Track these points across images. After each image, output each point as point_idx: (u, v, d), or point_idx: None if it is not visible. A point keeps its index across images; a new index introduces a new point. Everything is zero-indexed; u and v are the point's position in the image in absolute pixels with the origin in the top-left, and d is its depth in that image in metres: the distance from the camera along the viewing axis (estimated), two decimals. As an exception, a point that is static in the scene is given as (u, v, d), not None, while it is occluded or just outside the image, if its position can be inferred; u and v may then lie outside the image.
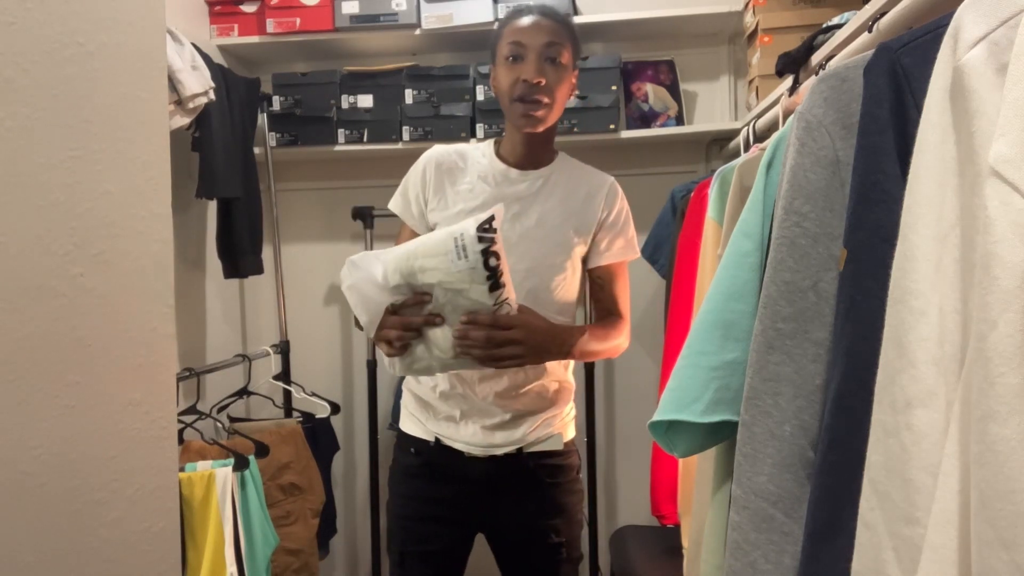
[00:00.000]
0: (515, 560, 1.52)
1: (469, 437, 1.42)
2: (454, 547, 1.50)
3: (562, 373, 1.49)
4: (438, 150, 1.49)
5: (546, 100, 1.36)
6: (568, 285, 1.46)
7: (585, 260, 1.50)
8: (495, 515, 1.48)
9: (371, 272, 1.24)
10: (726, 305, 0.99)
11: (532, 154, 1.46)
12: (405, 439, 1.52)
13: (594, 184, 1.50)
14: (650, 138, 2.30)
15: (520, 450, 1.44)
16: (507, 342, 1.23)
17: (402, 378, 2.41)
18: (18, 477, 0.72)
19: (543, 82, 1.35)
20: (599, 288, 1.53)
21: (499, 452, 1.43)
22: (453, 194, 1.44)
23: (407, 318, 1.24)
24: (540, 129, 1.40)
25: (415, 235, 1.42)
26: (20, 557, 0.72)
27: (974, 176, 0.56)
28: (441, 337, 1.24)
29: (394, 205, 1.52)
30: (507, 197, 1.42)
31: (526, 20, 1.38)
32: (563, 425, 1.50)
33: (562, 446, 1.49)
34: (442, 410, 1.44)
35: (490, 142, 1.51)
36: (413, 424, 1.51)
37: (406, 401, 1.54)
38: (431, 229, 1.43)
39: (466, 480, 1.45)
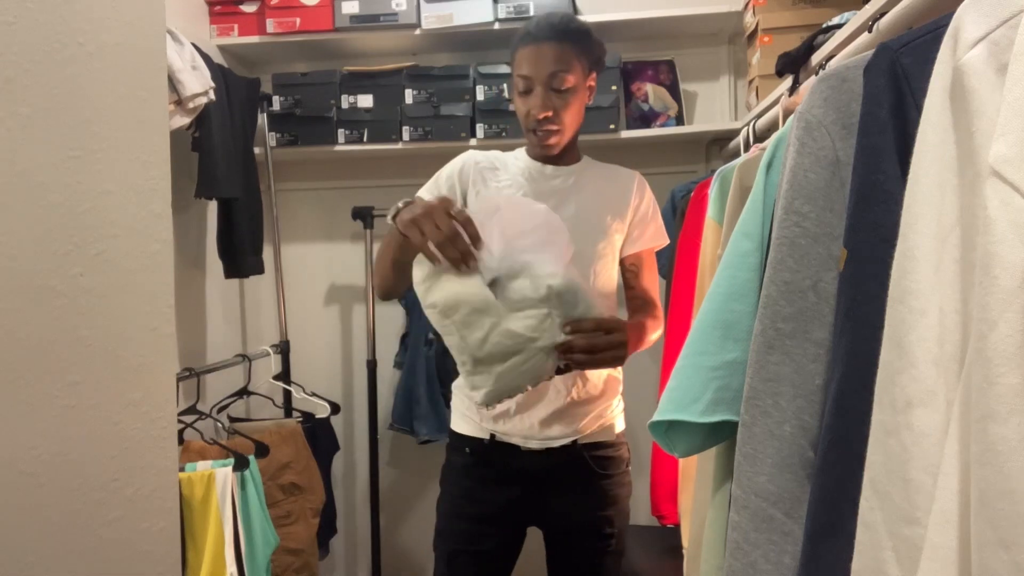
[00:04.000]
0: (565, 553, 1.54)
1: (526, 430, 1.45)
2: (506, 545, 1.52)
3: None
4: (474, 152, 1.56)
5: (556, 128, 1.43)
6: (609, 273, 1.53)
7: (620, 250, 1.56)
8: (549, 508, 1.50)
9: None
10: (726, 305, 0.99)
11: (560, 156, 1.53)
12: (458, 439, 1.54)
13: (623, 177, 1.58)
14: (650, 138, 2.30)
15: (575, 442, 1.47)
16: (610, 346, 1.22)
17: (401, 378, 2.42)
18: (18, 477, 0.72)
19: (550, 115, 1.41)
20: (633, 276, 1.59)
21: (556, 444, 1.46)
22: (493, 191, 1.50)
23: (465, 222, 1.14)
24: (556, 149, 1.48)
25: None
26: (20, 557, 0.72)
27: (974, 176, 0.56)
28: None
29: (426, 192, 1.52)
30: (545, 191, 1.49)
31: (530, 49, 1.40)
32: (613, 416, 1.54)
33: (614, 437, 1.53)
34: (497, 406, 1.43)
35: (520, 148, 1.59)
36: (466, 424, 1.53)
37: (457, 403, 1.57)
38: None
39: (522, 474, 1.47)
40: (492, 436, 1.48)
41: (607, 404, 1.52)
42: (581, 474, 1.48)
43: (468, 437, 1.52)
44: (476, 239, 1.15)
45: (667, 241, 1.61)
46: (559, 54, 1.40)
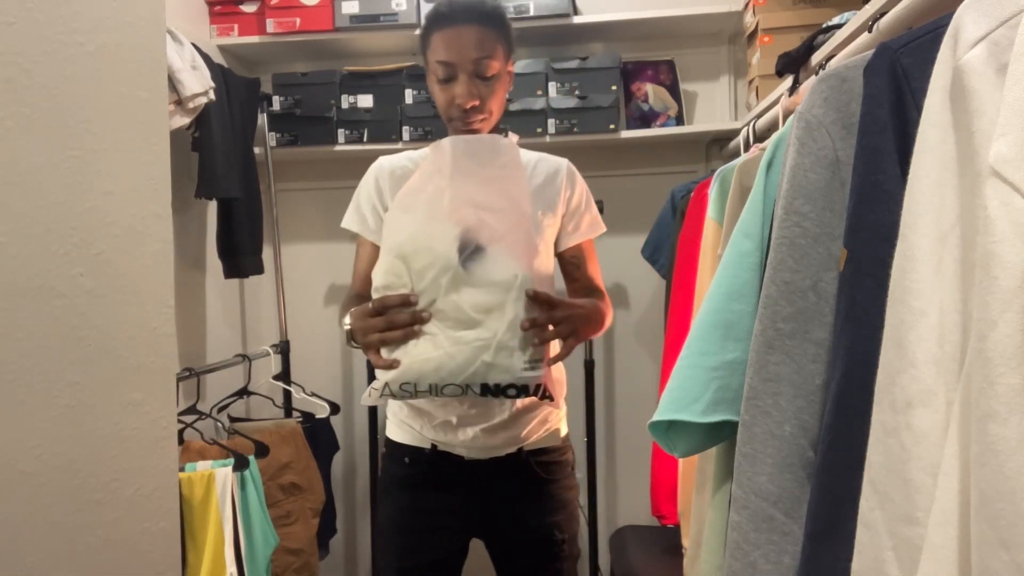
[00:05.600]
0: (516, 562, 1.49)
1: (470, 441, 1.39)
2: (452, 556, 1.47)
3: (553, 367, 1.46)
4: (385, 159, 1.48)
5: (482, 116, 1.35)
6: (544, 268, 1.43)
7: (555, 244, 1.49)
8: (496, 517, 1.44)
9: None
10: (726, 305, 0.99)
11: None
12: (396, 448, 1.47)
13: (551, 167, 1.48)
14: (650, 138, 2.30)
15: (520, 449, 1.43)
16: (566, 319, 1.18)
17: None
18: (18, 477, 0.72)
19: (478, 103, 1.33)
20: (575, 268, 1.51)
21: (501, 454, 1.41)
22: None
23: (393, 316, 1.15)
24: (483, 132, 1.39)
25: (376, 248, 1.38)
26: (20, 557, 0.72)
27: (974, 176, 0.56)
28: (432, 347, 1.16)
29: (349, 223, 1.49)
30: None
31: (450, 32, 1.31)
32: (558, 420, 1.49)
33: (559, 442, 1.49)
34: (438, 415, 1.39)
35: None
36: (405, 432, 1.46)
37: (395, 409, 1.49)
38: None
39: (466, 485, 1.41)
40: (434, 446, 1.41)
41: (552, 409, 1.45)
42: (526, 481, 1.42)
43: (407, 446, 1.44)
44: (406, 303, 1.15)
45: (604, 230, 1.54)
46: (482, 38, 1.31)
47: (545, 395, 1.19)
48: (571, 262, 1.51)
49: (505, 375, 1.14)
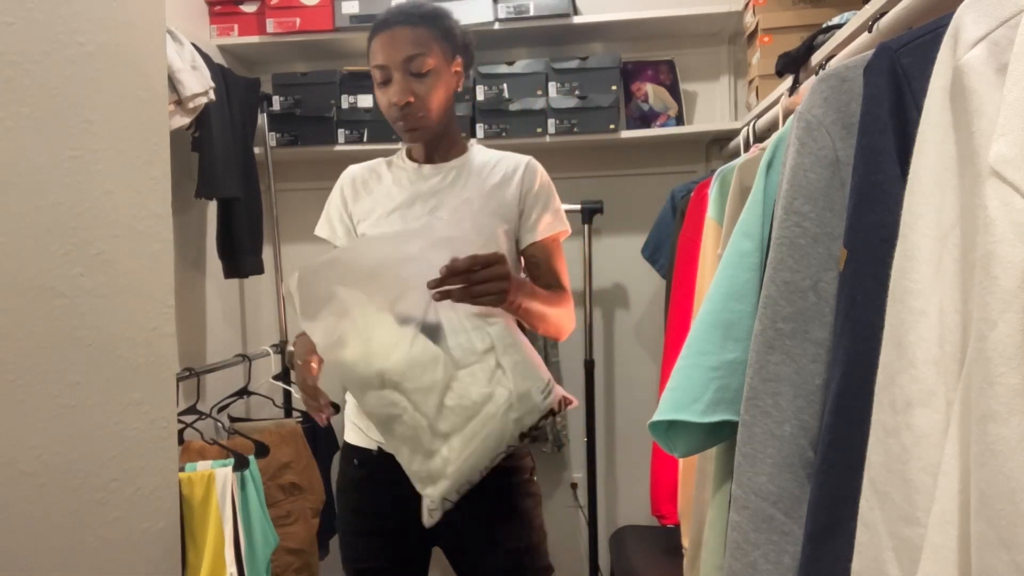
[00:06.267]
0: (474, 573, 1.42)
1: None
2: (407, 561, 1.43)
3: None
4: (351, 169, 1.51)
5: (420, 114, 1.35)
6: None
7: (517, 243, 1.46)
8: (446, 524, 1.28)
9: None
10: (726, 305, 0.99)
11: (437, 150, 1.45)
12: (348, 450, 1.45)
13: (510, 165, 1.45)
14: (650, 138, 2.30)
15: None
16: (488, 278, 1.14)
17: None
18: (18, 477, 0.72)
19: (412, 100, 1.33)
20: (535, 267, 1.46)
21: None
22: (372, 201, 1.45)
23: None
24: (425, 137, 1.40)
25: None
26: (20, 557, 0.72)
27: (974, 176, 0.56)
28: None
29: (320, 231, 1.52)
30: (422, 193, 1.41)
31: (383, 36, 1.33)
32: None
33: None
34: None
35: (401, 149, 1.51)
36: (355, 434, 1.43)
37: (348, 411, 1.46)
38: (356, 231, 1.46)
39: (411, 488, 1.24)
40: (379, 448, 1.36)
41: None
42: (476, 486, 1.25)
43: (357, 448, 1.42)
44: (316, 393, 1.22)
45: (568, 229, 1.48)
46: (414, 37, 1.32)
47: (565, 405, 1.22)
48: (531, 261, 1.46)
49: (534, 415, 1.18)
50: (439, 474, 1.16)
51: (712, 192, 1.42)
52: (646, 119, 2.34)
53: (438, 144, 1.44)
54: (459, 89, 1.43)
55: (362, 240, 1.37)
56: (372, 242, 1.29)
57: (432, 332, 1.17)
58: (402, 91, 1.32)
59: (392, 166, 1.49)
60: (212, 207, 2.24)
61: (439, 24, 1.36)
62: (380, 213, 1.42)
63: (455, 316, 1.18)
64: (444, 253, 1.13)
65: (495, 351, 1.18)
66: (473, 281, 1.14)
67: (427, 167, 1.44)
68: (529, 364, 1.20)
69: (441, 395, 1.15)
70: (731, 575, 0.86)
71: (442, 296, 1.13)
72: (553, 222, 1.45)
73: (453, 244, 1.15)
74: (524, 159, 1.46)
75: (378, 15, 1.37)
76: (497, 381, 1.16)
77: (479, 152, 1.48)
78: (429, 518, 1.19)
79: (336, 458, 2.39)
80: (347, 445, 1.46)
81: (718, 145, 2.40)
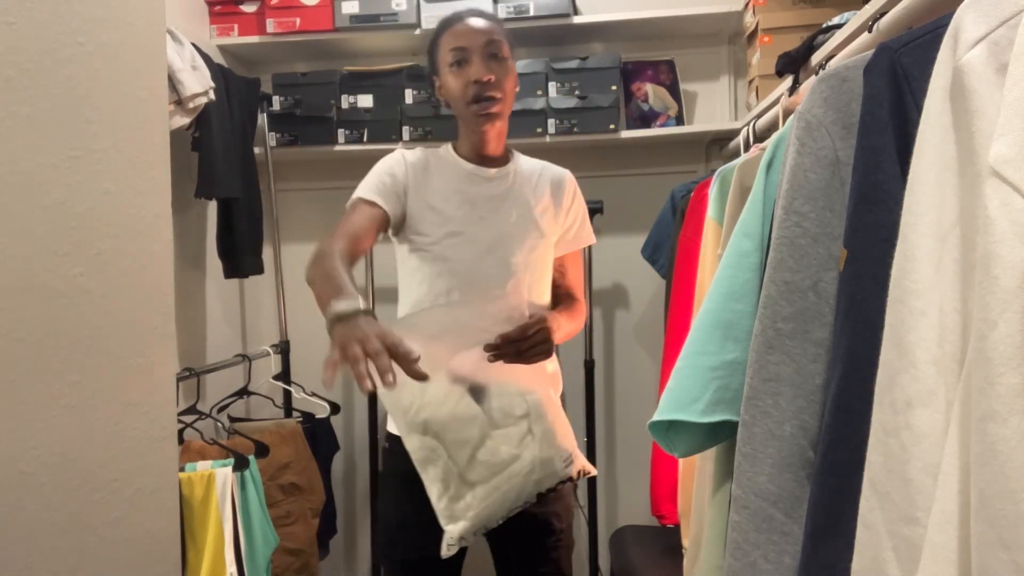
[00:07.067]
0: (514, 553, 1.51)
1: None
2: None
3: (550, 361, 1.48)
4: (405, 151, 1.52)
5: (499, 95, 1.41)
6: (547, 275, 1.53)
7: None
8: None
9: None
10: (726, 305, 0.99)
11: (494, 152, 1.50)
12: (397, 442, 1.43)
13: (555, 176, 1.55)
14: (650, 138, 2.30)
15: None
16: (536, 343, 1.28)
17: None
18: (18, 477, 0.72)
19: (493, 78, 1.39)
20: (561, 276, 1.58)
21: None
22: (431, 190, 1.46)
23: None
24: (499, 125, 1.46)
25: (377, 214, 1.41)
26: (21, 557, 0.72)
27: (974, 176, 0.56)
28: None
29: (368, 190, 1.44)
30: (482, 196, 1.46)
31: (462, 25, 1.42)
32: None
33: None
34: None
35: (447, 145, 1.54)
36: None
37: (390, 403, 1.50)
38: (402, 219, 1.46)
39: None
40: None
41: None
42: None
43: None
44: (407, 359, 0.99)
45: (594, 240, 1.63)
46: (492, 28, 1.42)
47: (584, 475, 1.38)
48: (558, 270, 1.57)
49: (552, 480, 1.34)
50: (461, 516, 1.30)
51: (712, 192, 1.42)
52: (646, 119, 2.34)
53: (497, 145, 1.50)
54: (517, 90, 1.51)
55: (430, 309, 1.45)
56: (436, 312, 1.42)
57: (478, 393, 1.32)
58: (484, 68, 1.38)
59: (442, 161, 1.51)
60: (212, 207, 2.24)
61: (507, 31, 1.47)
62: (447, 205, 1.45)
63: (501, 382, 1.33)
64: (499, 323, 1.29)
65: (529, 418, 1.32)
66: (525, 347, 1.28)
67: (484, 171, 1.50)
68: (556, 436, 1.34)
69: (474, 449, 1.29)
70: (731, 575, 0.86)
71: (496, 358, 1.27)
72: (584, 237, 1.59)
73: (506, 314, 1.33)
74: (565, 172, 1.57)
75: (445, 16, 1.48)
76: (525, 445, 1.31)
77: (522, 159, 1.56)
78: (447, 550, 1.31)
79: (337, 457, 2.40)
80: (394, 437, 1.47)
81: (718, 145, 2.40)
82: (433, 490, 1.31)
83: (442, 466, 1.29)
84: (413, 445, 1.31)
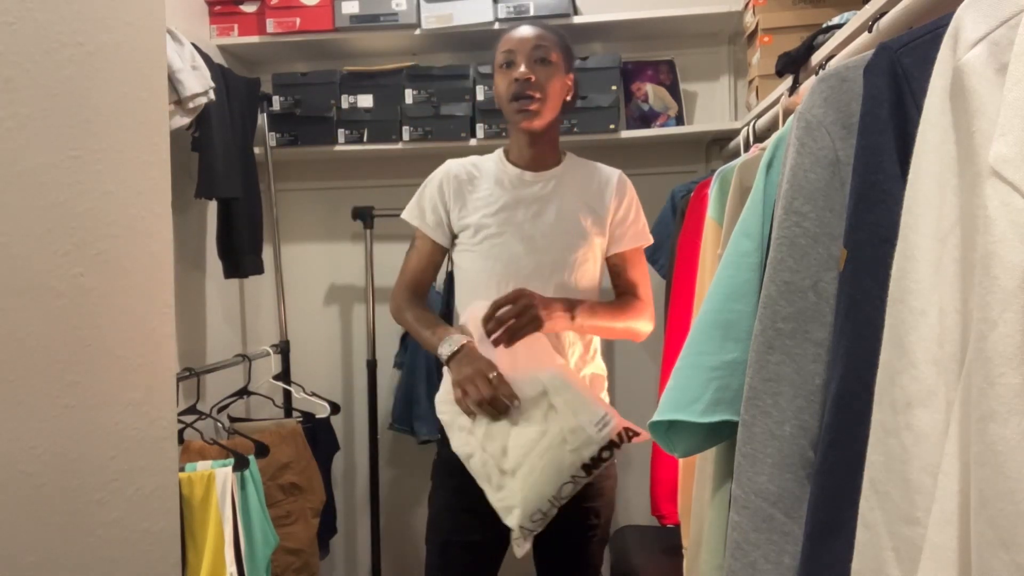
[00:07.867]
0: (553, 545, 1.54)
1: None
2: (495, 537, 1.51)
3: (592, 359, 1.59)
4: (452, 164, 1.60)
5: (538, 95, 1.47)
6: (591, 275, 1.57)
7: (605, 250, 1.61)
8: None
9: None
10: (726, 305, 0.99)
11: (540, 155, 1.56)
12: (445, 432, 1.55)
13: (604, 177, 1.60)
14: (650, 138, 2.30)
15: None
16: (519, 310, 1.37)
17: (401, 378, 2.42)
18: (18, 477, 0.72)
19: (533, 78, 1.46)
20: (616, 275, 1.64)
21: None
22: (473, 200, 1.55)
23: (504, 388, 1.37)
24: (537, 124, 1.50)
25: (433, 243, 1.59)
26: (20, 557, 0.72)
27: (974, 176, 0.56)
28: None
29: (409, 215, 1.62)
30: (524, 199, 1.53)
31: (514, 32, 1.52)
32: None
33: None
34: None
35: (499, 151, 1.61)
36: None
37: (445, 396, 1.56)
38: (455, 235, 1.59)
39: None
40: None
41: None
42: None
43: None
44: (511, 396, 1.37)
45: (651, 240, 1.65)
46: (542, 35, 1.50)
47: (631, 435, 1.38)
48: (613, 268, 1.64)
49: (591, 446, 1.34)
50: (511, 504, 1.35)
51: (712, 192, 1.42)
52: (646, 119, 2.34)
53: (543, 148, 1.56)
54: (568, 99, 1.57)
55: (473, 307, 1.52)
56: (475, 308, 1.49)
57: None
58: (527, 69, 1.47)
59: (490, 166, 1.59)
60: (212, 207, 2.24)
61: (563, 40, 1.55)
62: (485, 212, 1.54)
63: (511, 373, 1.38)
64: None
65: (548, 394, 1.36)
66: (505, 322, 1.38)
67: (528, 174, 1.56)
68: (582, 401, 1.36)
69: (503, 440, 1.36)
70: (731, 575, 0.86)
71: (497, 342, 1.38)
72: (638, 235, 1.62)
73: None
74: (616, 172, 1.62)
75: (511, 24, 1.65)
76: (550, 420, 1.34)
77: (574, 162, 1.62)
78: (519, 549, 1.38)
79: (337, 457, 2.40)
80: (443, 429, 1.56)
81: (718, 145, 2.40)
82: (484, 487, 1.38)
83: (479, 459, 1.37)
84: (456, 443, 1.42)
